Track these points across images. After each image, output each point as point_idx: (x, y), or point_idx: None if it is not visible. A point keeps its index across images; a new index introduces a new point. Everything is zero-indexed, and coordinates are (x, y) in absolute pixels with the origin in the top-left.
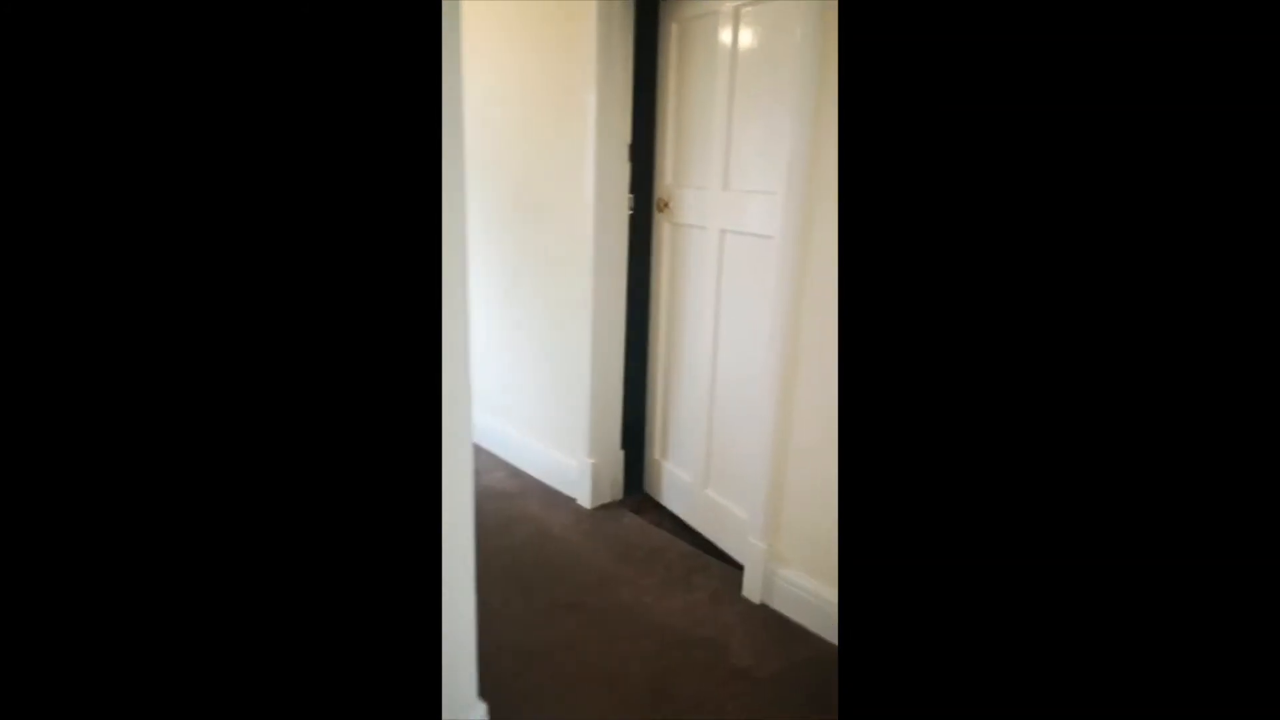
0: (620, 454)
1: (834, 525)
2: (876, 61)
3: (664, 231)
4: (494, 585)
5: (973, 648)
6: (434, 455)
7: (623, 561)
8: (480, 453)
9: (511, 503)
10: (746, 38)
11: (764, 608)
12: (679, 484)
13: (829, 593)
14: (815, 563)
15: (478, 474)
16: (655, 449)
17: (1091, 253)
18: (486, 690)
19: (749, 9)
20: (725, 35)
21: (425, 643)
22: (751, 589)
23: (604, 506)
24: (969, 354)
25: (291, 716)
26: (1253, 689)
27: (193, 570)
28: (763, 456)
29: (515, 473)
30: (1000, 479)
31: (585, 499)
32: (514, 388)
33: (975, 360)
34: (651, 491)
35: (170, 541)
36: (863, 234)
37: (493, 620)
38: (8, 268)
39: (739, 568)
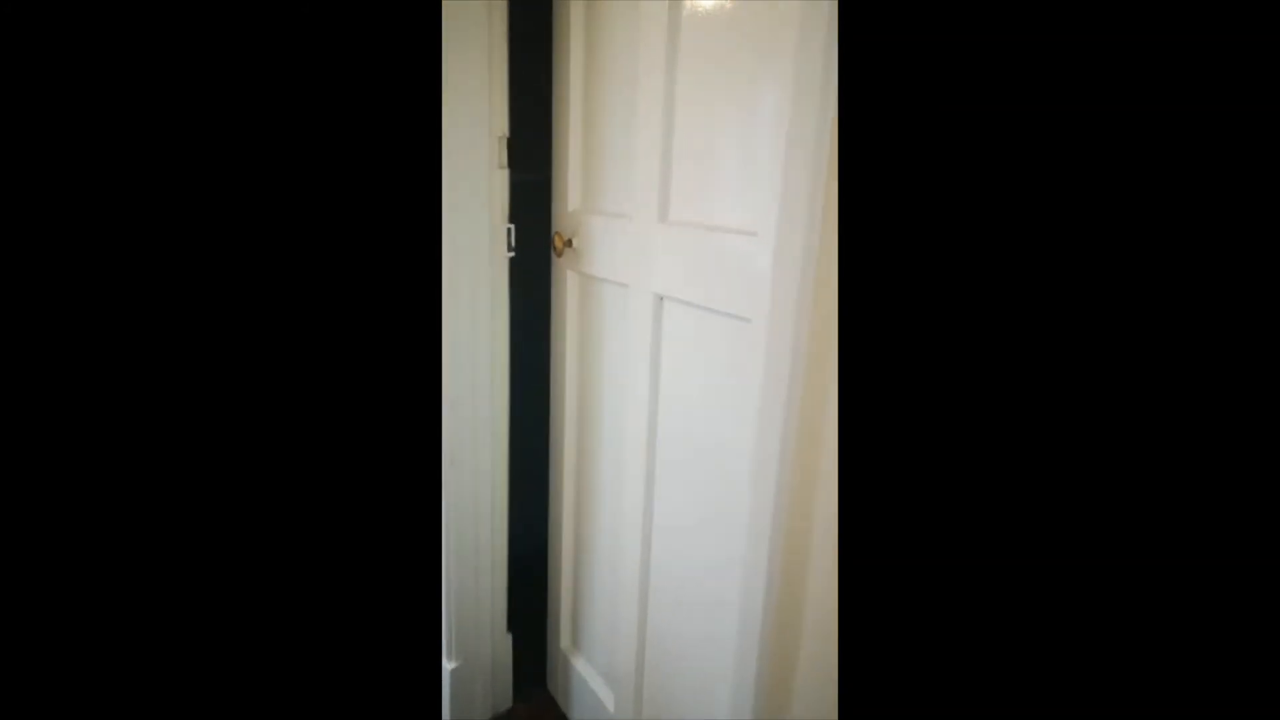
0: (507, 640)
1: None
2: (876, 61)
3: (568, 285)
4: None
5: (973, 648)
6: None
7: None
8: None
9: None
10: None
11: None
12: (594, 704)
13: None
14: None
15: None
16: (562, 634)
17: (1094, 255)
18: None
19: None
20: None
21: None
22: None
23: None
24: (971, 355)
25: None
26: (1253, 689)
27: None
28: (737, 696)
29: None
30: (1003, 479)
31: None
32: None
33: (977, 361)
34: (557, 695)
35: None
36: (864, 234)
37: None
38: (5, 268)
39: None
